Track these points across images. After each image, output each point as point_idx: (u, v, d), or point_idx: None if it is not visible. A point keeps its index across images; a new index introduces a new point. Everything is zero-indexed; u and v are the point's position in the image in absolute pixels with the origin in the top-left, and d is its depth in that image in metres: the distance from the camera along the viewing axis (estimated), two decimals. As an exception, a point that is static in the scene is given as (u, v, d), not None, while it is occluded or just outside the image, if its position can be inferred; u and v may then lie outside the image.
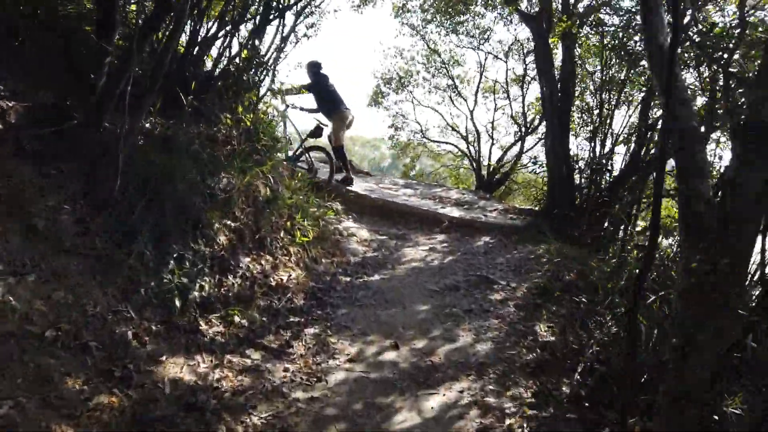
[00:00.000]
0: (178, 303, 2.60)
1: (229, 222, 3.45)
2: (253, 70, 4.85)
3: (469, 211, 7.12)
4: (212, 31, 4.55)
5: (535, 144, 10.54)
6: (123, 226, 2.64)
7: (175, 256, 2.80)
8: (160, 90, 3.22)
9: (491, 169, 9.90)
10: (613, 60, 6.74)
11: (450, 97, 11.08)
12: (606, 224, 6.88)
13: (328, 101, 7.19)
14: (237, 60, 4.63)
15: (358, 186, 7.85)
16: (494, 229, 6.34)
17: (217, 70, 4.61)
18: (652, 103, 6.44)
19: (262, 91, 5.21)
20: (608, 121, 6.99)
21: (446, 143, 11.62)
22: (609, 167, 6.77)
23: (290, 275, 3.68)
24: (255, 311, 3.00)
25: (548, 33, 6.68)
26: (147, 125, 3.50)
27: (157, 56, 2.95)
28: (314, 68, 7.26)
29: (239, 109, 4.60)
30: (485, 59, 10.21)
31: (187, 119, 3.86)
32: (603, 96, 6.93)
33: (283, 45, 5.48)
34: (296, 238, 4.18)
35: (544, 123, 9.91)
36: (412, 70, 10.82)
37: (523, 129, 9.49)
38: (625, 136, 7.05)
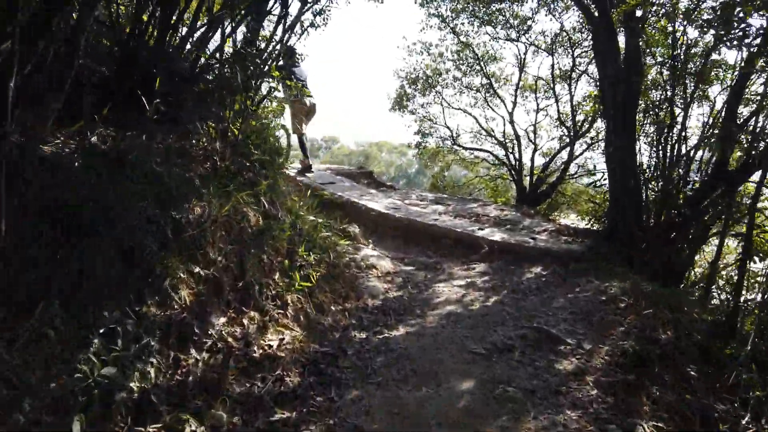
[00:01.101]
0: (95, 410, 1.78)
1: (197, 269, 2.65)
2: (248, 66, 4.08)
3: (513, 232, 6.17)
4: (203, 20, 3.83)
5: (585, 149, 9.50)
6: (17, 285, 1.85)
7: (102, 330, 1.99)
8: (100, 88, 2.46)
9: (534, 179, 8.90)
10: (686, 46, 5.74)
11: (485, 98, 10.15)
12: (684, 248, 5.82)
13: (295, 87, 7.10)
14: (226, 53, 3.86)
15: (380, 204, 7.02)
16: (546, 256, 5.36)
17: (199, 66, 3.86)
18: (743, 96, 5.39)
19: (262, 91, 4.46)
20: (681, 120, 5.95)
21: (480, 150, 10.68)
22: (686, 177, 5.70)
23: (283, 338, 2.83)
24: (223, 407, 2.16)
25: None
26: (94, 138, 2.75)
27: (67, 36, 2.16)
28: (291, 54, 6.86)
29: (227, 114, 3.83)
30: (525, 53, 9.28)
31: (152, 129, 3.10)
32: (675, 90, 5.90)
33: (286, 37, 4.72)
34: (296, 281, 3.34)
35: (596, 125, 8.89)
36: (440, 69, 9.97)
37: (572, 133, 8.47)
38: (705, 138, 5.98)
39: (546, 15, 8.69)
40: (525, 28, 8.92)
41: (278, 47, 5.24)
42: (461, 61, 9.77)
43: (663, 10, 6.04)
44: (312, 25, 5.05)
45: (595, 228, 6.36)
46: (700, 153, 6.06)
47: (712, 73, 6.16)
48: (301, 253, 3.91)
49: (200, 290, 2.61)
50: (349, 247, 5.44)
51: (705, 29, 4.71)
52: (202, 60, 3.83)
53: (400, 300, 4.20)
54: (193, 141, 3.45)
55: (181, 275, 2.56)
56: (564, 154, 9.18)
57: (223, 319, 2.67)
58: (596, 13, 5.28)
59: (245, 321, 2.77)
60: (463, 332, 3.52)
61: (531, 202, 8.56)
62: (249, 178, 3.77)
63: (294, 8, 5.47)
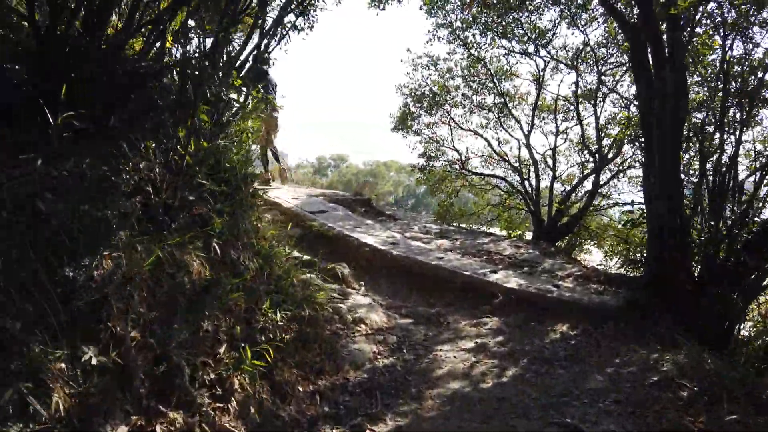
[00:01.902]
0: None
1: (88, 353, 1.89)
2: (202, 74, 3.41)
3: (532, 276, 5.39)
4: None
5: (611, 177, 8.76)
6: None
7: None
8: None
9: (554, 211, 8.15)
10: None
11: (498, 119, 9.49)
12: (736, 300, 5.01)
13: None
14: (174, 56, 3.20)
15: (376, 238, 6.28)
16: (574, 310, 4.58)
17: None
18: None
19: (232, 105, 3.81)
20: (732, 143, 5.23)
21: (493, 176, 9.97)
22: (745, 216, 4.93)
23: (213, 454, 2.05)
24: None
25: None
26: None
27: None
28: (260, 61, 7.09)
29: (180, 133, 3.13)
30: (544, 69, 8.63)
31: (59, 150, 2.40)
32: (725, 112, 5.20)
33: (265, 42, 4.10)
34: (246, 357, 2.57)
35: (625, 149, 8.18)
36: (449, 86, 9.34)
37: (597, 158, 7.75)
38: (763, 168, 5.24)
39: (568, 28, 8.09)
40: (544, 41, 8.30)
41: (254, 53, 4.61)
42: (472, 78, 9.15)
43: (709, 21, 5.40)
44: (295, 27, 4.44)
45: (629, 273, 5.56)
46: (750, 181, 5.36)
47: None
48: (265, 310, 3.17)
49: (90, 388, 1.85)
50: (335, 293, 4.69)
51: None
52: (149, 63, 3.16)
53: (392, 371, 3.42)
54: (121, 167, 2.73)
55: (62, 366, 1.81)
56: (588, 183, 8.45)
57: (123, 429, 1.90)
58: (635, 21, 4.61)
59: (159, 428, 1.99)
60: (473, 427, 2.73)
61: (550, 237, 7.79)
62: (199, 215, 3.05)
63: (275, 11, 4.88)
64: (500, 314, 4.62)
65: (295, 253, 5.70)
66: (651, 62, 4.47)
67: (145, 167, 2.86)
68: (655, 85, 4.44)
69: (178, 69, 2.95)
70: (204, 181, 3.01)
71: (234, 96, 3.46)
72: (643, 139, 5.15)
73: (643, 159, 5.45)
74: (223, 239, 3.19)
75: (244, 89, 4.47)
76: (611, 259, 7.74)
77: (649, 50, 4.40)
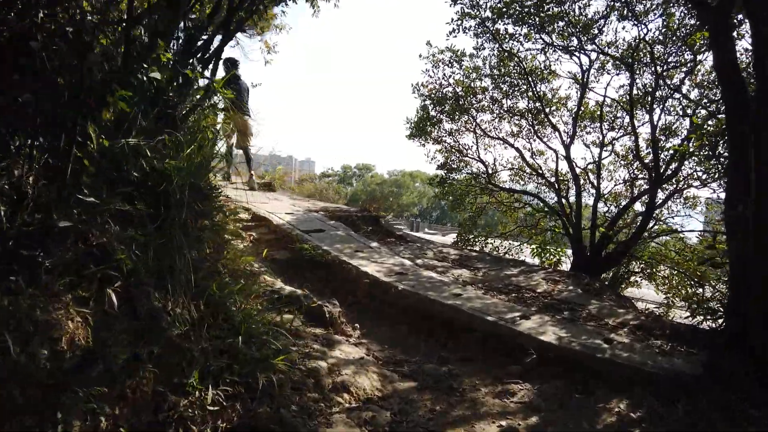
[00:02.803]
0: None
1: None
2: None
3: (574, 325, 4.38)
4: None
5: (668, 196, 7.66)
6: None
7: None
8: None
9: (599, 236, 7.08)
10: None
11: (532, 126, 8.50)
12: None
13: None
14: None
15: (380, 265, 5.37)
16: (634, 379, 3.56)
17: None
18: None
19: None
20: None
21: (524, 192, 8.94)
22: None
23: None
24: None
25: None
26: None
27: None
28: (231, 65, 7.98)
29: (90, 131, 2.33)
30: (588, 69, 7.63)
31: None
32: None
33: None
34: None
35: (685, 165, 7.09)
36: (476, 87, 8.42)
37: (653, 175, 6.68)
38: None
39: (619, 21, 7.10)
40: (590, 35, 7.32)
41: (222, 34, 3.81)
42: (503, 78, 8.20)
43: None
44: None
45: (707, 324, 4.50)
46: None
47: None
48: (191, 386, 2.28)
49: None
50: (316, 344, 3.78)
51: None
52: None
53: (378, 478, 2.47)
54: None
55: None
56: (640, 204, 7.36)
57: None
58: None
59: None
60: None
61: (593, 268, 6.72)
62: (100, 245, 2.19)
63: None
64: (533, 379, 3.64)
65: (278, 284, 4.85)
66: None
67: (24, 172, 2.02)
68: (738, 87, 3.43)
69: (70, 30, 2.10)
70: (107, 196, 2.15)
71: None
72: (725, 153, 4.11)
73: (726, 180, 4.41)
74: (138, 281, 2.32)
75: (205, 77, 3.65)
76: (664, 295, 6.66)
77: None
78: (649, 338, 4.24)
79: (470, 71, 8.18)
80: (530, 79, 7.95)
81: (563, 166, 8.70)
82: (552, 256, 7.50)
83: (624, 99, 7.90)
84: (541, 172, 8.72)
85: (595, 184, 8.06)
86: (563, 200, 7.92)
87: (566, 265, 7.83)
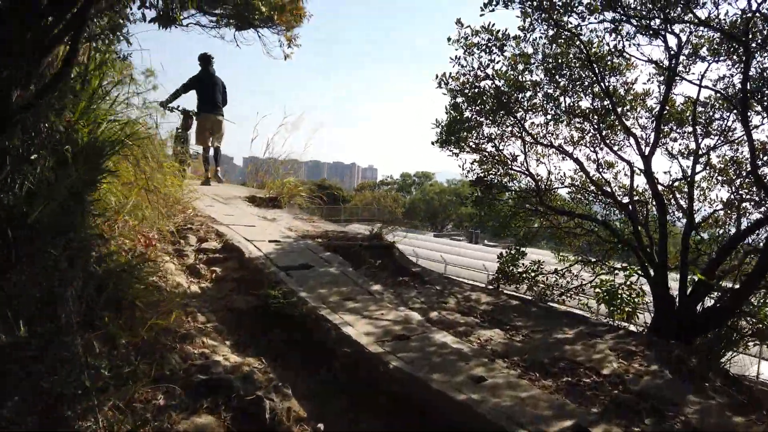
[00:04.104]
0: None
1: None
2: None
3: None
4: None
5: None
6: None
7: None
8: None
9: (693, 282, 5.37)
10: None
11: (597, 130, 6.90)
12: None
13: (200, 100, 8.94)
14: None
15: (374, 324, 4.01)
16: None
17: None
18: None
19: None
20: None
21: (586, 218, 7.32)
22: None
23: None
24: None
25: None
26: None
27: None
28: (203, 62, 9.01)
29: None
30: (676, 55, 5.98)
31: None
32: None
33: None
34: None
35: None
36: (524, 81, 6.93)
37: (771, 199, 4.96)
38: None
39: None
40: (679, 11, 5.72)
41: None
42: (559, 69, 6.69)
43: None
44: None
45: None
46: None
47: None
48: None
49: None
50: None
51: None
52: None
53: None
54: None
55: None
56: (756, 237, 5.60)
57: None
58: None
59: None
60: None
61: (684, 329, 5.05)
62: None
63: None
64: None
65: (222, 352, 3.61)
66: None
67: None
68: None
69: None
70: None
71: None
72: None
73: None
74: None
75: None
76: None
77: None
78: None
79: (516, 60, 6.69)
80: (596, 68, 6.39)
81: (639, 182, 7.04)
82: (625, 305, 5.86)
83: (724, 95, 6.20)
84: (610, 190, 7.08)
85: (686, 207, 6.36)
86: (641, 228, 6.27)
87: (643, 316, 6.15)
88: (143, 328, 3.00)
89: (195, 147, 9.25)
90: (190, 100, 9.41)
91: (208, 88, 8.95)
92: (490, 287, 6.44)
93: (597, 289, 6.24)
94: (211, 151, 9.38)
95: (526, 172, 7.30)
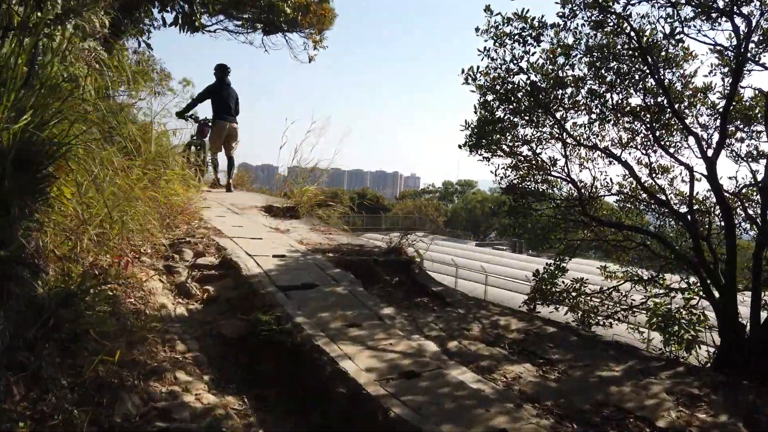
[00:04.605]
0: None
1: None
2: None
3: None
4: None
5: None
6: None
7: None
8: None
9: (767, 308, 4.57)
10: None
11: (651, 130, 6.15)
12: None
13: (215, 109, 9.62)
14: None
15: (379, 357, 3.45)
16: None
17: None
18: None
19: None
20: None
21: (637, 230, 6.53)
22: None
23: None
24: None
25: None
26: None
27: None
28: (218, 71, 9.59)
29: None
30: (745, 41, 5.21)
31: None
32: None
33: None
34: None
35: None
36: (565, 77, 6.26)
37: None
38: None
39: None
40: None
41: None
42: (605, 61, 5.99)
43: None
44: None
45: None
46: None
47: None
48: None
49: None
50: None
51: None
52: None
53: None
54: None
55: None
56: None
57: None
58: None
59: None
60: None
61: (757, 364, 4.28)
62: None
63: None
64: None
65: (196, 390, 3.14)
66: None
67: None
68: None
69: None
70: None
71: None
72: None
73: None
74: None
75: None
76: None
77: None
78: None
79: (556, 52, 6.03)
80: (649, 60, 5.66)
81: (701, 188, 6.23)
82: (684, 332, 5.08)
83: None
84: (664, 197, 6.30)
85: (756, 217, 5.53)
86: (703, 243, 5.49)
87: (705, 347, 5.35)
88: (89, 366, 2.56)
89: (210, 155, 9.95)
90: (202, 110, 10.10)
91: (224, 97, 9.60)
92: (523, 310, 5.76)
93: (649, 313, 5.48)
94: (226, 161, 9.97)
95: (568, 178, 6.58)
